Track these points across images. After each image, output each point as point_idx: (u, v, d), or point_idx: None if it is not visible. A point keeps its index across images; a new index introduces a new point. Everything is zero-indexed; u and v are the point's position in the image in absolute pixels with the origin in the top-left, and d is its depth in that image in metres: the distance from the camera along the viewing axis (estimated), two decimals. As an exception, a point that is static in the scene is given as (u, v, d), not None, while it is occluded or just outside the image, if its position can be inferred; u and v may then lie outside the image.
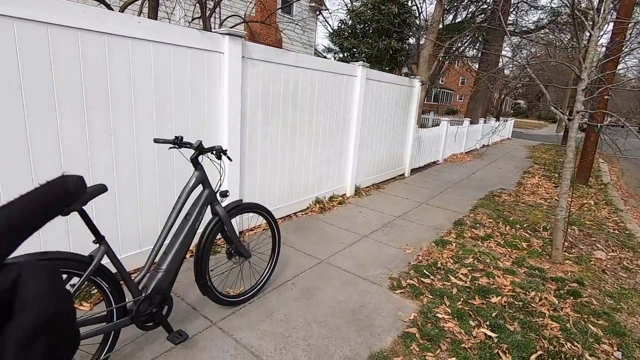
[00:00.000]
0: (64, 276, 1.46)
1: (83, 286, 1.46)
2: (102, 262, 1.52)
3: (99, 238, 1.52)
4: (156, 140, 1.94)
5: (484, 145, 11.72)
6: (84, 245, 2.11)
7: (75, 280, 1.48)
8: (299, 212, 4.06)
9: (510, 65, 15.08)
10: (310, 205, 4.21)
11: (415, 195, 5.21)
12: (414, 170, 6.85)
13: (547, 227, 4.04)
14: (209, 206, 1.98)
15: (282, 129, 3.58)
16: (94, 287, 1.54)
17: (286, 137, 3.65)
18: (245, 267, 2.43)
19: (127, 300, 1.65)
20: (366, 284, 2.63)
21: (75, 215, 1.39)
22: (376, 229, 3.77)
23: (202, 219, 1.93)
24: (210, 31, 2.90)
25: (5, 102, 1.81)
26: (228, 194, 2.05)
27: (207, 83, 2.79)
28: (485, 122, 11.93)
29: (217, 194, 2.03)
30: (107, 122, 2.23)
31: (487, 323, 2.22)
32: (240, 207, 2.15)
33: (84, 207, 1.44)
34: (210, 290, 2.05)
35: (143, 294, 1.70)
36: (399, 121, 5.89)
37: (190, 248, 2.08)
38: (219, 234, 2.08)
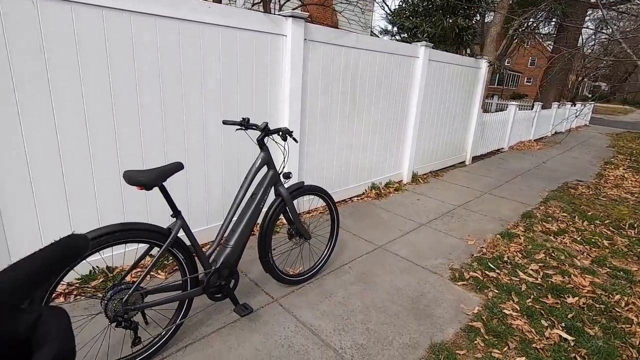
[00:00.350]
0: (146, 246, 1.59)
1: (161, 257, 1.58)
2: (178, 235, 1.62)
3: (176, 212, 1.63)
4: (225, 122, 2.01)
5: (556, 133, 10.69)
6: (157, 217, 2.29)
7: (155, 250, 1.61)
8: (354, 197, 4.03)
9: (592, 43, 13.44)
10: (366, 190, 4.16)
11: (477, 184, 4.91)
12: (475, 158, 6.46)
13: (635, 225, 3.59)
14: (272, 187, 2.03)
15: (340, 112, 3.54)
16: (170, 258, 1.67)
17: (344, 121, 3.61)
18: (304, 248, 2.47)
19: (199, 272, 1.76)
20: (425, 273, 2.55)
21: (154, 191, 1.50)
22: (435, 217, 3.63)
23: (266, 199, 1.98)
24: (273, 14, 2.92)
25: (96, 84, 1.99)
26: (291, 175, 2.08)
27: (270, 65, 2.83)
28: (559, 107, 10.82)
29: (281, 176, 2.06)
30: (180, 103, 2.36)
31: (562, 324, 2.04)
32: (302, 189, 2.18)
33: (164, 183, 1.54)
34: (272, 268, 2.12)
35: (213, 267, 1.80)
36: (462, 105, 5.54)
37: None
38: (281, 214, 2.12)
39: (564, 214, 3.86)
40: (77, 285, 2.11)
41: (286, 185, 2.11)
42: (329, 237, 2.52)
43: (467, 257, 2.81)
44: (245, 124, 1.97)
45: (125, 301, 1.47)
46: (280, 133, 1.90)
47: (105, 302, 1.45)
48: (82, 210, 2.09)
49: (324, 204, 2.40)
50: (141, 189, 1.48)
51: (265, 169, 2.00)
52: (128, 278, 1.61)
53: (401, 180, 4.72)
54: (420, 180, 4.86)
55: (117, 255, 2.20)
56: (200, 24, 2.34)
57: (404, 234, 3.19)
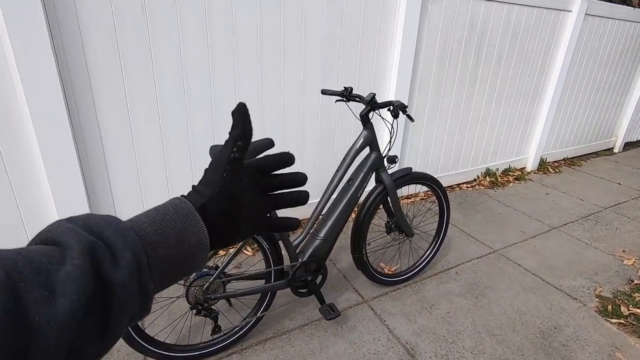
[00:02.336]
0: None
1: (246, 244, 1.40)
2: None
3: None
4: (324, 92, 1.70)
5: None
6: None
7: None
8: (463, 183, 3.45)
9: None
10: (478, 177, 3.52)
11: (632, 180, 3.79)
12: (629, 145, 5.06)
13: None
14: (373, 173, 1.69)
15: (458, 83, 2.94)
16: (254, 245, 1.49)
17: (461, 95, 3.00)
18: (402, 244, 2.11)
19: (284, 264, 1.56)
20: (560, 297, 1.97)
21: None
22: (571, 220, 2.86)
23: (365, 186, 1.66)
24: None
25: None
26: (397, 160, 1.70)
27: (379, 25, 2.39)
28: None
29: (384, 160, 1.70)
30: (278, 64, 2.13)
31: None
32: (409, 177, 1.79)
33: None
34: (365, 265, 1.83)
35: (300, 260, 1.58)
36: (620, 75, 4.26)
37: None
38: (381, 205, 1.78)
39: None
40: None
41: (390, 171, 1.75)
42: (435, 234, 2.11)
43: (622, 283, 2.11)
44: (347, 95, 1.63)
45: (206, 289, 1.34)
46: (391, 108, 1.52)
47: (187, 286, 1.35)
48: (178, 173, 2.07)
49: (427, 189, 1.98)
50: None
51: (366, 150, 1.66)
52: (211, 263, 1.48)
53: (524, 168, 3.90)
54: (550, 170, 3.96)
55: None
56: (304, -25, 2.03)
57: (527, 238, 2.57)
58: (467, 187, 3.40)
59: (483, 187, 3.41)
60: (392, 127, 1.67)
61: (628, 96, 4.56)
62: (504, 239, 2.54)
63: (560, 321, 1.80)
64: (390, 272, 2.03)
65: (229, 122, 2.07)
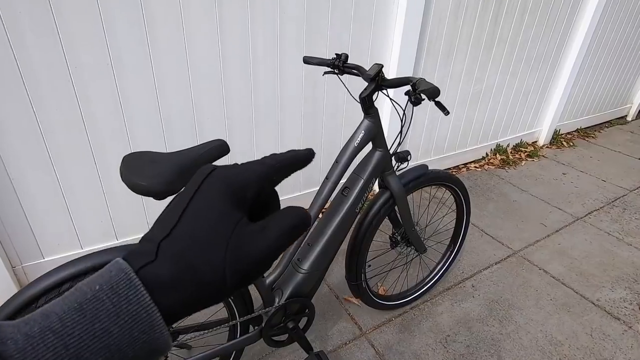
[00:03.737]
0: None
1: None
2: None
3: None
4: (307, 60, 1.18)
5: None
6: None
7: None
8: (470, 162, 3.01)
9: None
10: (487, 154, 3.08)
11: (653, 154, 3.42)
12: (642, 112, 4.65)
13: None
14: (378, 177, 1.22)
15: (473, 44, 2.40)
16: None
17: (474, 60, 2.47)
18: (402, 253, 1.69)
19: (254, 309, 1.12)
20: (599, 317, 1.62)
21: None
22: (596, 207, 2.49)
23: (367, 197, 1.19)
24: None
25: None
26: (409, 158, 1.23)
27: (381, -35, 1.80)
28: None
29: (392, 158, 1.23)
30: (244, 27, 1.56)
31: None
32: (423, 179, 1.32)
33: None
34: (365, 293, 1.41)
35: (277, 301, 1.14)
36: (648, 33, 3.75)
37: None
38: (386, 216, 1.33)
39: None
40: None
41: (398, 172, 1.28)
42: (449, 244, 1.69)
43: (669, 294, 1.76)
44: (339, 65, 1.12)
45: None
46: (412, 91, 0.98)
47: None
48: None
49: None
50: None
51: (369, 147, 1.17)
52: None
53: (536, 142, 3.47)
54: (564, 143, 3.53)
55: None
56: None
57: (550, 234, 2.18)
58: (475, 167, 2.97)
59: (493, 167, 2.98)
60: (404, 112, 1.17)
61: (650, 57, 4.07)
62: (524, 235, 2.15)
63: (605, 353, 1.45)
64: (393, 295, 1.62)
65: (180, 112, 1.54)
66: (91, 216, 1.56)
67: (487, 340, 1.48)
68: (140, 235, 1.65)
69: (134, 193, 0.76)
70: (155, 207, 1.70)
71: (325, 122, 2.01)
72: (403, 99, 1.10)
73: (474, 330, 1.52)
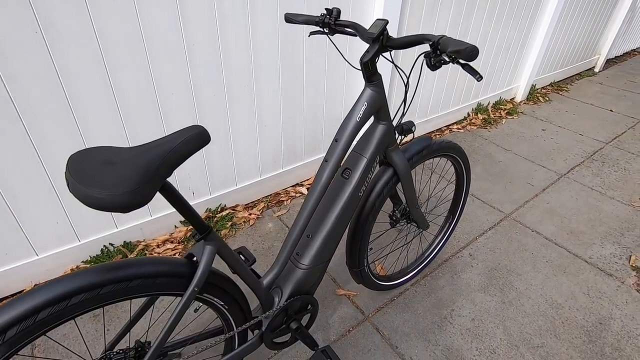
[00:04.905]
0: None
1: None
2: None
3: (204, 229, 0.78)
4: (290, 19, 0.98)
5: None
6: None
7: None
8: (453, 124, 2.92)
9: None
10: (469, 114, 3.01)
11: (621, 105, 3.48)
12: (607, 63, 4.73)
13: None
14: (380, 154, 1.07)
15: (458, -7, 2.21)
16: (200, 305, 0.89)
17: (461, 7, 2.30)
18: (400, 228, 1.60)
19: (252, 315, 0.99)
20: (594, 275, 1.63)
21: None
22: (577, 162, 2.50)
23: (370, 177, 1.05)
24: None
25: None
26: (413, 129, 1.09)
27: None
28: None
29: (395, 131, 1.08)
30: (204, -21, 1.29)
31: None
32: (426, 152, 1.19)
33: (168, 178, 0.66)
34: (367, 278, 1.31)
35: (277, 303, 1.01)
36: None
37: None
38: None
39: None
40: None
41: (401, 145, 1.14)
42: (447, 215, 1.61)
43: (654, 245, 1.81)
44: (331, 23, 0.93)
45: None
46: (434, 53, 0.79)
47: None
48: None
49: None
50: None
51: (371, 120, 1.01)
52: (129, 339, 0.87)
53: (513, 98, 3.43)
54: (540, 98, 3.52)
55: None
56: None
57: (538, 193, 2.17)
58: (457, 128, 2.89)
59: (475, 127, 2.92)
60: (408, 78, 1.01)
61: (618, 5, 4.05)
62: (513, 197, 2.12)
63: (603, 312, 1.46)
64: (394, 274, 1.54)
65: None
66: (42, 218, 1.33)
67: (491, 310, 1.44)
68: (109, 232, 1.43)
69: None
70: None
71: (307, 93, 1.80)
72: (406, 62, 0.93)
73: (477, 301, 1.48)
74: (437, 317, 1.41)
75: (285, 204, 1.96)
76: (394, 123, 1.10)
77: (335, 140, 0.95)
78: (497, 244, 1.78)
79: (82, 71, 1.18)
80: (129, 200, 0.56)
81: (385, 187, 1.13)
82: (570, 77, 4.18)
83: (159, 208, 1.61)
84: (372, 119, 1.02)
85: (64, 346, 1.22)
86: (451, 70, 2.56)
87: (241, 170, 1.79)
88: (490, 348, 1.31)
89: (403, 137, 1.10)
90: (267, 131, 1.77)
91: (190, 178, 1.64)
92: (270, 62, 1.60)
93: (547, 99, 3.54)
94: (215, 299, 0.86)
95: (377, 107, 0.95)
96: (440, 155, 1.28)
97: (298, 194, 2.02)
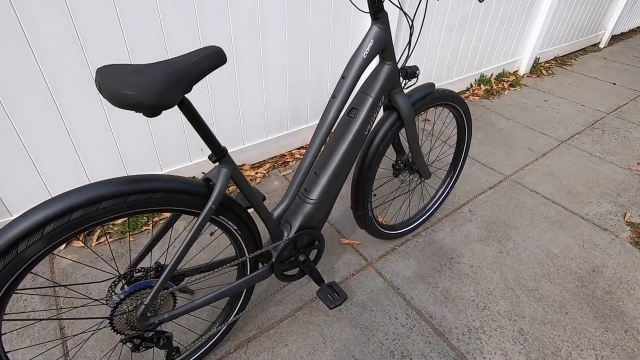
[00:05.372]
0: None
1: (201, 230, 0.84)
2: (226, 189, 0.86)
3: (219, 151, 0.83)
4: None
5: None
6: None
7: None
8: (455, 94, 2.94)
9: None
10: (472, 85, 3.02)
11: (625, 78, 3.48)
12: (612, 39, 4.69)
13: None
14: (385, 96, 1.11)
15: (463, -43, 2.21)
16: (215, 229, 0.95)
17: (466, -26, 2.30)
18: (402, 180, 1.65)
19: (262, 245, 1.05)
20: (589, 229, 1.69)
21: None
22: (577, 130, 2.53)
23: (376, 117, 1.10)
24: None
25: None
26: (418, 73, 1.12)
27: None
28: None
29: (400, 74, 1.12)
30: None
31: None
32: (429, 98, 1.23)
33: (187, 95, 0.71)
34: (371, 223, 1.37)
35: (286, 235, 1.07)
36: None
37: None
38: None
39: None
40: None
41: (405, 91, 1.18)
42: (449, 170, 1.66)
43: (649, 204, 1.86)
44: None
45: (143, 312, 0.82)
46: None
47: (111, 312, 0.81)
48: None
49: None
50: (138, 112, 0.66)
51: (376, 60, 1.05)
52: (147, 261, 0.94)
53: (517, 71, 3.43)
54: (543, 72, 3.52)
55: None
56: None
57: (538, 157, 2.21)
58: (460, 98, 2.90)
59: (478, 98, 2.94)
60: (412, 20, 1.04)
61: (626, -21, 4.00)
62: (513, 160, 2.17)
63: (596, 261, 1.52)
64: (397, 224, 1.60)
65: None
66: (59, 165, 1.38)
67: (489, 259, 1.51)
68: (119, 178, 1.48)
69: (118, 108, 0.62)
70: (131, 146, 1.53)
71: (323, 32, 1.83)
72: (412, 5, 0.96)
73: (476, 251, 1.54)
74: (437, 263, 1.48)
75: (290, 164, 2.01)
76: (399, 66, 1.13)
77: (343, 77, 0.99)
78: (497, 201, 1.83)
79: (91, 11, 1.22)
80: (156, 100, 0.61)
81: (389, 130, 1.17)
82: (575, 52, 4.16)
83: (168, 164, 1.66)
84: (377, 60, 1.06)
85: (98, 255, 1.29)
86: (455, 38, 2.56)
87: (247, 130, 1.84)
88: (487, 290, 1.38)
89: (407, 81, 1.14)
90: (273, 91, 1.81)
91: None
92: (277, 22, 1.63)
93: (550, 72, 3.55)
94: (229, 223, 0.91)
95: (383, 45, 0.99)
96: (442, 104, 1.32)
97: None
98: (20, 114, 1.23)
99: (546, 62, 3.76)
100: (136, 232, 1.53)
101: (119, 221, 1.56)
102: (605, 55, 4.15)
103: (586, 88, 3.22)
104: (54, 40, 1.18)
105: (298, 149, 2.12)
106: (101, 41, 1.26)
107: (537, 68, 3.52)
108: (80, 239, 1.46)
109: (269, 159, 2.02)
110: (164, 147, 1.60)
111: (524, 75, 3.43)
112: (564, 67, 3.72)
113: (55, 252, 1.42)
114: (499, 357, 1.16)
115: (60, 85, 1.25)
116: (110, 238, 1.49)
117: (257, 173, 1.91)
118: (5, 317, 1.21)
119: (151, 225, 1.57)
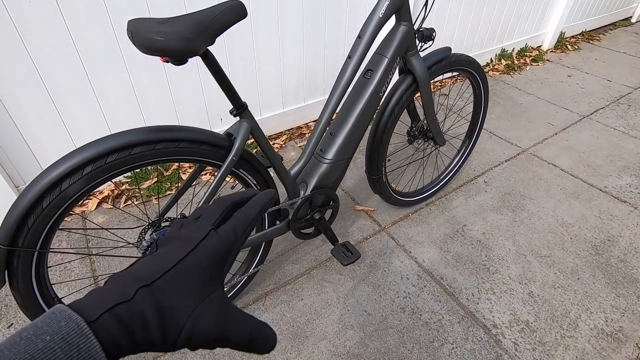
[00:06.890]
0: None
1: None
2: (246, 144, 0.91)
3: (240, 106, 0.87)
4: None
5: None
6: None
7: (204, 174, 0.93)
8: (474, 69, 2.88)
9: None
10: (492, 60, 2.95)
11: (657, 53, 3.33)
12: (647, 13, 4.44)
13: None
14: (401, 57, 1.12)
15: None
16: (232, 179, 1.01)
17: (489, -59, 2.22)
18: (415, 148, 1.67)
19: (280, 202, 1.11)
20: (607, 201, 1.67)
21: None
22: (601, 106, 2.46)
23: (392, 78, 1.11)
24: None
25: None
26: (434, 35, 1.13)
27: None
28: None
29: (416, 36, 1.13)
30: None
31: None
32: (447, 62, 1.24)
33: (210, 49, 0.75)
34: (385, 188, 1.40)
35: (302, 193, 1.12)
36: None
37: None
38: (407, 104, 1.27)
39: None
40: (127, 187, 1.63)
41: (421, 54, 1.19)
42: (464, 139, 1.66)
43: (673, 178, 1.82)
44: None
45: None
46: None
47: (141, 255, 0.89)
48: None
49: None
50: (166, 61, 0.71)
51: (392, 20, 1.06)
52: (173, 212, 1.00)
53: (540, 46, 3.32)
54: (569, 47, 3.40)
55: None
56: None
57: (558, 132, 2.18)
58: (479, 74, 2.85)
59: (498, 73, 2.88)
60: (430, -22, 1.04)
61: (664, -53, 3.76)
62: (532, 134, 2.14)
63: (612, 231, 1.52)
64: (411, 192, 1.62)
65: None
66: (86, 121, 1.46)
67: (502, 227, 1.52)
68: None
69: (146, 55, 0.66)
70: (150, 99, 1.59)
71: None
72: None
73: (489, 219, 1.56)
74: (450, 230, 1.50)
75: (307, 136, 2.05)
76: (415, 28, 1.14)
77: (359, 36, 1.01)
78: (513, 173, 1.83)
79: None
80: (183, 46, 0.65)
81: (404, 93, 1.19)
82: (604, 26, 3.97)
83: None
84: (394, 19, 1.07)
85: (127, 212, 1.38)
86: (475, 11, 2.50)
87: (264, 100, 1.87)
88: (499, 256, 1.40)
89: (423, 44, 1.15)
90: (290, 57, 1.83)
91: (218, 104, 1.74)
92: (294, -11, 1.64)
93: (576, 47, 3.42)
94: (248, 176, 0.97)
95: (399, 4, 1.00)
96: (458, 69, 1.32)
97: (319, 129, 2.09)
98: (54, 80, 1.30)
99: (572, 37, 3.61)
100: (161, 195, 1.61)
101: (146, 184, 1.64)
102: (637, 30, 3.95)
103: (614, 63, 3.10)
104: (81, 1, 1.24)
105: (314, 121, 2.15)
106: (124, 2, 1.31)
107: (562, 43, 3.40)
108: (109, 202, 1.56)
109: (285, 130, 2.06)
110: (184, 114, 1.66)
111: (547, 50, 3.31)
112: (591, 42, 3.57)
113: (87, 212, 1.51)
114: (508, 316, 1.20)
115: (88, 50, 1.32)
116: (136, 201, 1.58)
117: (274, 144, 1.95)
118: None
119: (174, 189, 1.65)
